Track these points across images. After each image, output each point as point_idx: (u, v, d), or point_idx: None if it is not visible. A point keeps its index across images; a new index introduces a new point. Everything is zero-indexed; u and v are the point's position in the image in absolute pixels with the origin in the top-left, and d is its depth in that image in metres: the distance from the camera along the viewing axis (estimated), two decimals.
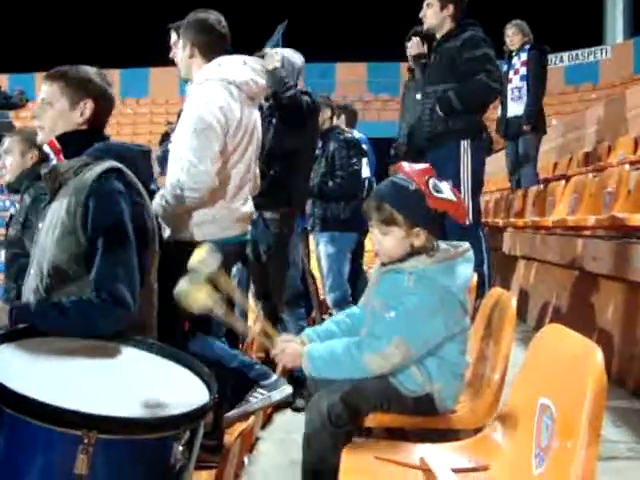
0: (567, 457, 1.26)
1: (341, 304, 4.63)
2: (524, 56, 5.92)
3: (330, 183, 4.66)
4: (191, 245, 2.66)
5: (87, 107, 2.07)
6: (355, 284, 5.16)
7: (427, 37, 4.28)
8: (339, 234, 4.80)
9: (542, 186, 5.24)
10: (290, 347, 2.03)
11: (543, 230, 3.68)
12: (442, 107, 3.86)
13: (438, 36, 4.03)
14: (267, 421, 3.61)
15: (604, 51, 16.06)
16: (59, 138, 2.08)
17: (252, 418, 3.02)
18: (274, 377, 2.89)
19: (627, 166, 3.67)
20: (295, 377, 3.34)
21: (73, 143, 2.07)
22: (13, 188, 3.33)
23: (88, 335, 1.85)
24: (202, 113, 2.61)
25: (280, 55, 3.68)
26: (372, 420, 1.93)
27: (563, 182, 4.77)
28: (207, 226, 2.68)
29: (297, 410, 3.71)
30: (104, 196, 1.91)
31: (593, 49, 16.08)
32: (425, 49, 4.40)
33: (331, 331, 2.23)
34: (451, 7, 3.96)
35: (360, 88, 19.01)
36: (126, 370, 1.81)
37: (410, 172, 2.07)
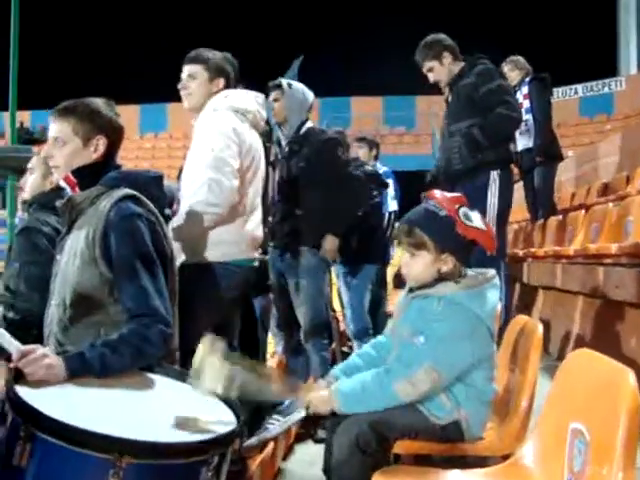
0: None
1: (362, 335, 4.64)
2: (525, 89, 5.95)
3: None
4: (207, 267, 2.73)
5: (100, 143, 2.10)
6: (376, 315, 5.18)
7: None
8: (360, 266, 4.82)
9: (561, 216, 5.25)
10: (317, 395, 2.03)
11: (564, 259, 3.67)
12: (469, 146, 3.91)
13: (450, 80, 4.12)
14: (288, 452, 3.60)
15: (618, 82, 16.14)
16: (74, 172, 2.11)
17: (271, 445, 3.01)
18: (287, 401, 2.89)
19: None
20: None
21: (88, 176, 2.10)
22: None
23: (140, 366, 1.87)
24: (217, 136, 2.69)
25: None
26: (400, 447, 1.93)
27: (583, 212, 4.77)
28: (223, 247, 2.72)
29: (318, 441, 3.70)
30: (123, 222, 1.94)
31: (607, 80, 16.17)
32: None
33: (356, 365, 2.25)
34: (446, 54, 4.06)
35: (375, 122, 19.16)
36: (156, 397, 1.84)
37: (441, 199, 2.11)
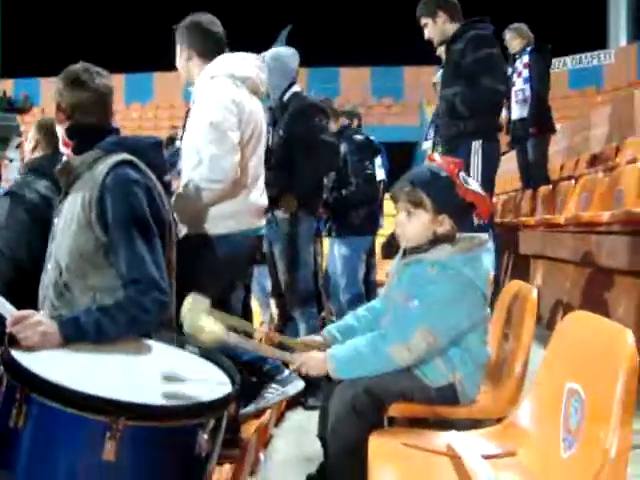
0: (599, 439, 1.28)
1: (356, 304, 4.65)
2: (526, 58, 5.89)
3: (344, 191, 4.65)
4: (210, 239, 2.71)
5: (92, 101, 2.08)
6: (366, 283, 5.20)
7: None
8: (355, 237, 4.83)
9: (551, 186, 5.26)
10: (311, 356, 2.04)
11: (556, 228, 3.69)
12: (449, 114, 3.89)
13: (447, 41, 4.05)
14: (280, 419, 3.63)
15: (608, 55, 16.11)
16: (70, 135, 2.10)
17: (267, 414, 3.03)
18: (287, 372, 2.91)
19: (639, 164, 3.69)
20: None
21: (83, 139, 2.08)
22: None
23: (137, 333, 1.87)
24: (216, 108, 2.64)
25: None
26: (395, 410, 1.94)
27: (572, 182, 4.79)
28: (227, 220, 2.70)
29: (309, 408, 3.73)
30: (119, 187, 1.92)
31: (597, 53, 16.12)
32: None
33: (351, 326, 2.25)
34: (441, 13, 3.97)
35: (364, 92, 19.06)
36: (152, 361, 1.83)
37: (442, 162, 2.12)
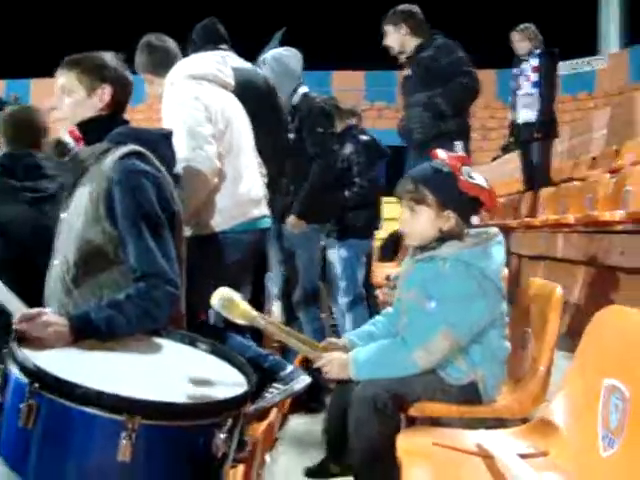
0: None
1: (356, 306, 4.59)
2: (535, 61, 5.84)
3: (347, 193, 4.58)
4: (207, 238, 2.65)
5: (105, 92, 2.02)
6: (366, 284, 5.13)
7: None
8: (355, 240, 4.76)
9: (554, 188, 5.24)
10: (336, 357, 1.99)
11: (565, 228, 3.66)
12: (431, 112, 3.91)
13: (409, 53, 4.12)
14: (283, 422, 3.56)
15: (600, 60, 16.22)
16: (79, 126, 2.04)
17: (274, 414, 2.96)
18: (290, 368, 2.86)
19: None
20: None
21: (94, 129, 2.02)
22: None
23: (149, 329, 1.81)
24: (180, 110, 2.60)
25: None
26: (417, 409, 1.89)
27: (575, 183, 4.77)
28: (219, 214, 2.65)
29: (312, 411, 3.67)
30: (128, 179, 1.86)
31: (589, 58, 16.24)
32: None
33: (370, 332, 2.21)
34: (404, 25, 4.07)
35: (357, 96, 19.04)
36: (165, 359, 1.77)
37: (444, 157, 2.07)
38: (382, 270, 7.21)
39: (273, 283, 4.20)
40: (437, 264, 1.98)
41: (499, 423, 1.94)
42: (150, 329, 1.83)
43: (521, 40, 6.00)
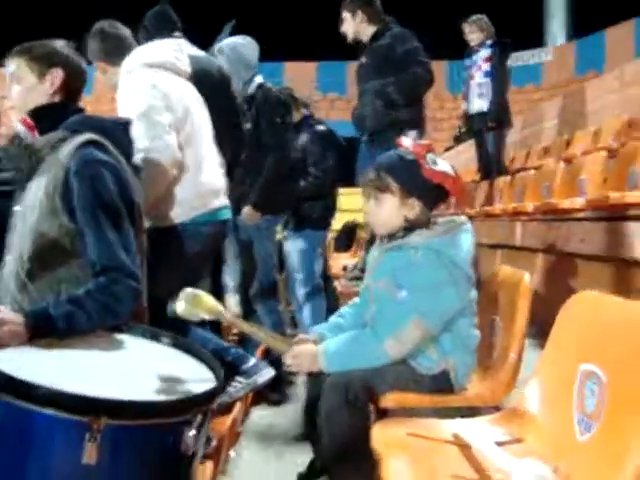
0: (624, 420, 1.23)
1: (315, 297, 4.56)
2: (487, 52, 5.92)
3: (302, 183, 4.52)
4: (167, 230, 2.58)
5: (57, 76, 1.94)
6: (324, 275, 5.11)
7: None
8: (311, 231, 4.71)
9: (509, 177, 5.30)
10: (305, 350, 1.94)
11: (523, 216, 3.70)
12: (383, 100, 3.94)
13: (365, 40, 4.16)
14: (245, 415, 3.51)
15: (546, 53, 16.52)
16: (32, 114, 1.94)
17: (237, 409, 2.91)
18: (252, 361, 2.82)
19: (602, 153, 3.74)
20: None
21: (47, 117, 1.93)
22: None
23: (110, 324, 1.74)
24: (137, 99, 2.52)
25: None
26: (389, 400, 1.86)
27: (531, 172, 4.84)
28: (180, 205, 2.59)
29: (273, 403, 3.64)
30: (85, 168, 1.78)
31: (536, 51, 16.52)
32: None
33: (338, 324, 2.18)
34: (360, 13, 4.11)
35: (309, 87, 18.98)
36: (131, 357, 1.70)
37: (408, 145, 2.05)
38: (339, 261, 7.22)
39: (229, 276, 4.15)
40: (407, 253, 1.95)
41: (470, 412, 1.93)
42: (111, 325, 1.76)
43: (472, 32, 6.08)
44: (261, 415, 3.55)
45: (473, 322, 2.01)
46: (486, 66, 5.90)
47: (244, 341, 3.78)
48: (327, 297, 4.95)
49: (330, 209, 4.99)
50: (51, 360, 1.57)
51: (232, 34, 4.00)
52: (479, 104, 5.91)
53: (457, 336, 1.96)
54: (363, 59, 4.16)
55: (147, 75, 2.58)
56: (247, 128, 3.72)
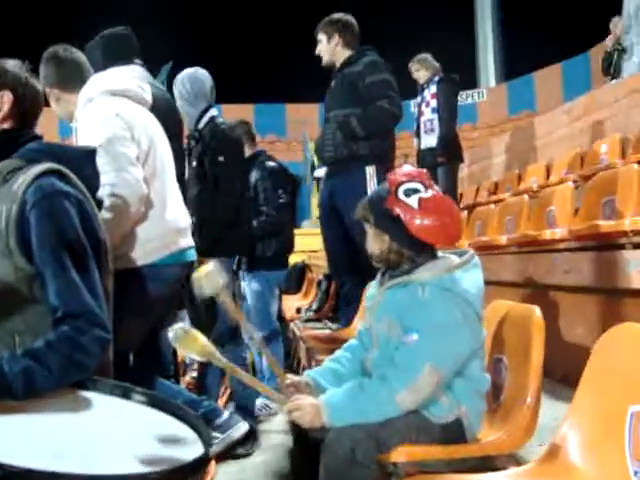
0: None
1: (271, 343, 4.32)
2: (433, 88, 6.01)
3: (255, 222, 4.31)
4: (131, 272, 2.35)
5: (4, 100, 1.73)
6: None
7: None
8: (266, 272, 4.49)
9: (466, 212, 5.25)
10: (307, 404, 1.71)
11: (495, 250, 3.59)
12: (344, 134, 3.80)
13: (337, 65, 4.03)
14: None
15: (480, 94, 17.10)
16: None
17: (213, 468, 2.63)
18: (225, 414, 2.63)
19: (570, 183, 3.71)
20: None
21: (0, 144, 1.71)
22: None
23: (74, 381, 1.50)
24: (100, 128, 2.32)
25: None
26: (400, 454, 1.65)
27: (492, 206, 4.79)
28: (145, 245, 2.38)
29: (236, 457, 3.36)
30: (45, 201, 1.55)
31: (471, 92, 17.07)
32: None
33: (334, 370, 1.96)
34: (336, 36, 4.00)
35: None
36: (103, 420, 1.46)
37: (392, 174, 1.90)
38: (291, 303, 7.00)
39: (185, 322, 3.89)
40: (414, 291, 1.77)
41: (488, 462, 1.74)
42: (74, 381, 1.51)
43: (418, 70, 6.17)
44: (227, 472, 3.25)
45: (483, 365, 1.84)
46: (433, 102, 5.96)
47: (200, 385, 3.54)
48: (284, 340, 4.74)
49: (285, 247, 4.80)
50: (9, 429, 1.31)
51: (169, 76, 3.85)
52: (428, 140, 5.93)
53: (469, 381, 1.77)
54: (332, 84, 4.02)
55: (110, 103, 2.38)
56: (193, 165, 3.54)
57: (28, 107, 1.77)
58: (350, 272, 3.93)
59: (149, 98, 2.60)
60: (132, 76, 2.58)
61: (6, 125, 1.74)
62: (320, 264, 6.71)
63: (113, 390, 1.58)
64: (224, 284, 1.86)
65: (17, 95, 1.74)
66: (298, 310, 6.59)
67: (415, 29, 16.49)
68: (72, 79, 2.54)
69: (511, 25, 17.73)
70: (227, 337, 3.71)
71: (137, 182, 2.28)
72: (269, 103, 19.28)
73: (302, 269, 9.25)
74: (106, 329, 1.54)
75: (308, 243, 8.80)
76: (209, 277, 1.85)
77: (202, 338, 1.59)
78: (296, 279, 9.26)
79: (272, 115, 19.20)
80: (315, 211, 11.54)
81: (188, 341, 1.58)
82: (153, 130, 2.49)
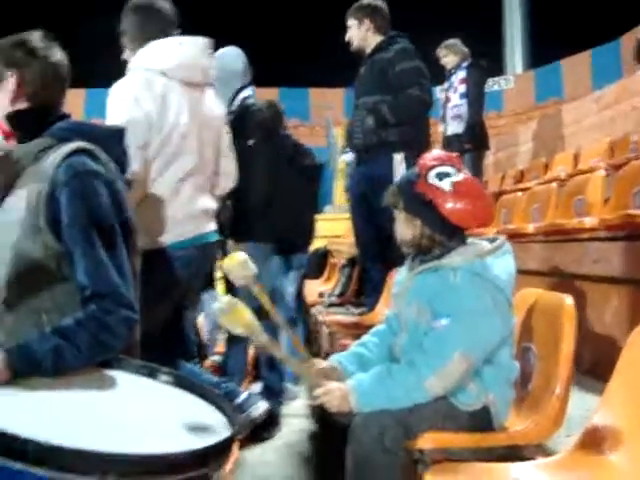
0: None
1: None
2: (462, 74, 5.95)
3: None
4: (155, 253, 2.35)
5: (10, 81, 1.70)
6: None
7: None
8: (292, 255, 4.48)
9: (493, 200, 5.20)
10: (335, 388, 1.71)
11: (522, 238, 3.55)
12: (375, 121, 3.76)
13: (368, 51, 3.98)
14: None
15: (507, 81, 16.88)
16: (8, 119, 1.70)
17: (236, 449, 2.65)
18: (244, 395, 2.61)
19: (602, 172, 3.65)
20: None
21: (26, 123, 1.69)
22: None
23: (102, 359, 1.50)
24: (114, 108, 2.30)
25: None
26: (427, 441, 1.64)
27: (519, 194, 4.74)
28: (165, 230, 2.37)
29: (261, 440, 3.37)
30: (75, 180, 1.55)
31: (497, 79, 16.84)
32: None
33: (360, 354, 1.95)
34: (367, 21, 3.94)
35: None
36: (129, 399, 1.45)
37: (421, 159, 1.88)
38: (313, 287, 7.00)
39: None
40: (445, 275, 1.75)
41: (508, 452, 1.72)
42: (101, 360, 1.52)
43: (446, 55, 6.09)
44: (253, 454, 3.25)
45: (512, 352, 1.82)
46: (462, 88, 5.89)
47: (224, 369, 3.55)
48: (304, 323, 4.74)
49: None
50: (38, 406, 1.31)
51: None
52: (455, 126, 5.87)
53: (498, 368, 1.76)
54: (362, 70, 3.97)
55: (136, 85, 2.34)
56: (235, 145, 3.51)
57: (39, 86, 1.71)
58: (378, 258, 3.91)
59: (201, 78, 2.52)
60: (177, 52, 2.45)
61: (20, 106, 1.70)
62: (342, 249, 6.69)
63: (139, 370, 1.58)
64: (255, 274, 1.85)
65: (22, 75, 1.70)
66: (321, 295, 6.60)
67: (441, 15, 16.31)
68: (145, 30, 2.48)
69: (539, 11, 17.45)
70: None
71: (138, 168, 2.25)
72: (293, 87, 19.23)
73: (324, 254, 9.27)
74: (133, 309, 1.54)
75: (331, 228, 8.79)
76: (240, 267, 1.84)
77: (248, 313, 1.58)
78: (318, 264, 9.28)
79: (296, 99, 19.14)
80: (339, 197, 11.47)
81: (234, 315, 1.58)
82: (191, 111, 2.43)
